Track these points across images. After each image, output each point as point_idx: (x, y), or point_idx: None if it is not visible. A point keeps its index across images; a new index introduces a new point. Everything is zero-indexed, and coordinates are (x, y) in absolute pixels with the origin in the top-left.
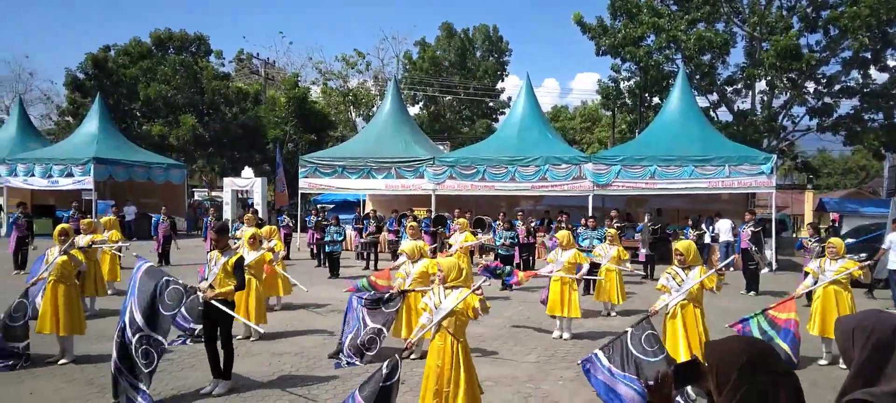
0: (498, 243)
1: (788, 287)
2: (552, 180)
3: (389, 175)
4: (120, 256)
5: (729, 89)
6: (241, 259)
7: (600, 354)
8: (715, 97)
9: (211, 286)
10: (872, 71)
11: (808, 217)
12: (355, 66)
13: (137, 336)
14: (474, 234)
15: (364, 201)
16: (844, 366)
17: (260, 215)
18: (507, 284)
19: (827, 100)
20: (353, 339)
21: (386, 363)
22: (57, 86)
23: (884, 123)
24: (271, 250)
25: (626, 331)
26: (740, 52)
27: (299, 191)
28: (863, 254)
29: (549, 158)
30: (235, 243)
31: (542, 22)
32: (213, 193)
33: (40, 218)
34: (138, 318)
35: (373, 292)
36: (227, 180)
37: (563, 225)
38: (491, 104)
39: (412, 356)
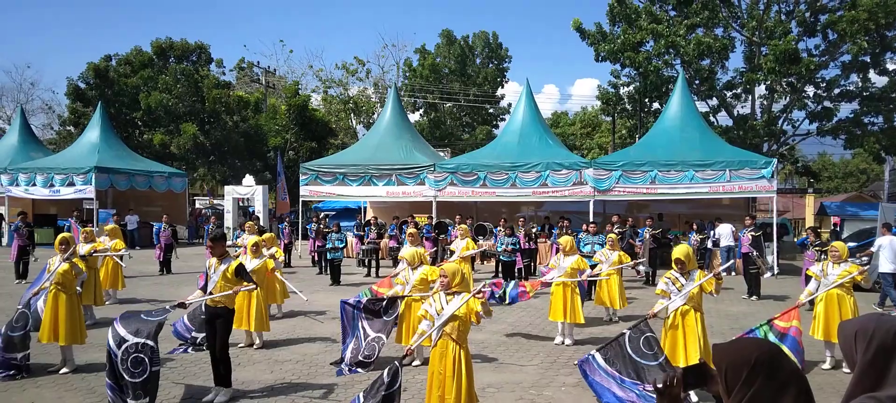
0: (499, 249)
1: (790, 291)
2: (553, 186)
3: (390, 182)
4: (123, 266)
5: (728, 94)
6: (241, 264)
7: (598, 356)
8: (714, 102)
9: (210, 294)
10: (872, 74)
11: (809, 221)
12: (355, 73)
13: (123, 347)
14: (475, 240)
15: (365, 208)
16: (848, 370)
17: (261, 223)
18: (513, 300)
19: (827, 104)
20: (355, 352)
21: (386, 370)
22: (58, 95)
23: (883, 127)
24: (272, 257)
25: (624, 333)
26: (739, 57)
27: (300, 199)
28: (864, 258)
29: (549, 164)
30: (235, 251)
31: (542, 28)
32: (215, 201)
33: (42, 227)
34: (122, 332)
35: (371, 297)
36: (228, 188)
37: (566, 230)
38: (491, 110)
39: (415, 362)
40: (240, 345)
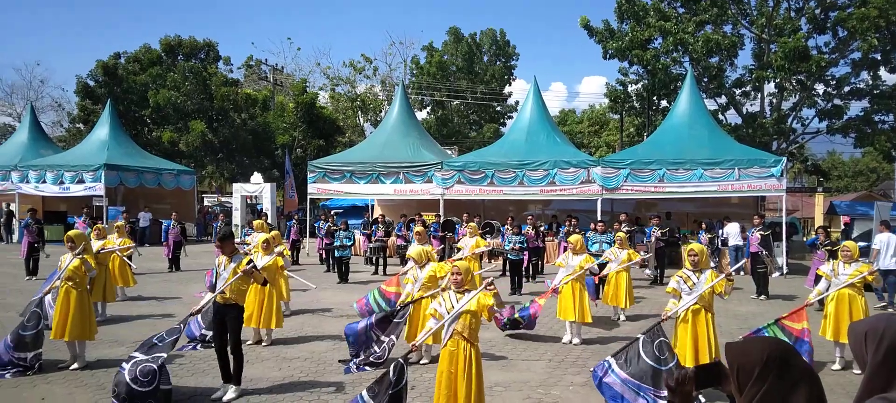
0: (507, 247)
1: (799, 290)
2: (560, 184)
3: (398, 180)
4: (132, 266)
5: (737, 92)
6: (251, 260)
7: (613, 362)
8: (723, 100)
9: (222, 293)
10: (882, 72)
11: (819, 220)
12: (363, 71)
13: (131, 362)
14: (484, 238)
15: (373, 206)
16: (858, 371)
17: (269, 220)
18: (526, 319)
19: (836, 101)
20: (367, 354)
21: (391, 367)
22: (68, 93)
23: (894, 125)
24: (281, 254)
25: (638, 338)
26: (748, 55)
27: (308, 197)
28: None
29: (557, 162)
30: (244, 248)
31: (549, 26)
32: (223, 199)
33: (52, 224)
34: (136, 355)
35: (380, 312)
36: (236, 186)
37: (574, 228)
38: (498, 108)
39: (423, 361)
40: (248, 343)
